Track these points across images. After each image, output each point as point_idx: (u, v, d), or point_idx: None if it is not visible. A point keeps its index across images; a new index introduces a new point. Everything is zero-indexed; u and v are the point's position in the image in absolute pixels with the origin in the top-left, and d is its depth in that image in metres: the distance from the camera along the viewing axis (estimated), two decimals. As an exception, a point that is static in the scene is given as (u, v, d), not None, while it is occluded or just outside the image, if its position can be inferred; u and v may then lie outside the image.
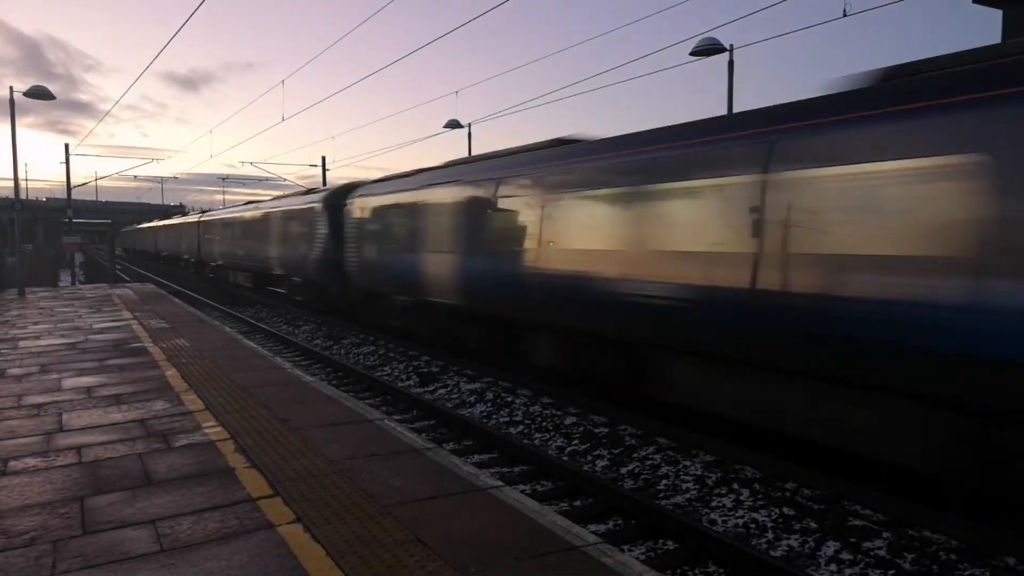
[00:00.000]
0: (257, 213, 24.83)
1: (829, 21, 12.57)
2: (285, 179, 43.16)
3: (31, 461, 4.95)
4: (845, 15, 11.84)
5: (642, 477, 6.97)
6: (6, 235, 30.60)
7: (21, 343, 10.38)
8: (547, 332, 10.03)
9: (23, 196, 29.28)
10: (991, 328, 4.85)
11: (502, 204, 10.76)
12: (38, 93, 18.43)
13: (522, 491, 6.51)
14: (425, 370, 12.12)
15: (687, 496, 6.46)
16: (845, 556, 5.22)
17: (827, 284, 5.90)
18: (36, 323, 12.82)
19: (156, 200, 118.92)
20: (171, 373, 8.07)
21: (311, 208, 19.22)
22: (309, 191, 21.06)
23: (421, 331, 13.97)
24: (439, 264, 12.35)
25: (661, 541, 5.60)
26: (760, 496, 6.27)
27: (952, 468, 5.41)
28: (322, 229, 18.32)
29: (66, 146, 28.24)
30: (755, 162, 6.51)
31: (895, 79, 5.96)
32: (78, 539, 3.69)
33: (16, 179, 18.49)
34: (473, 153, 15.20)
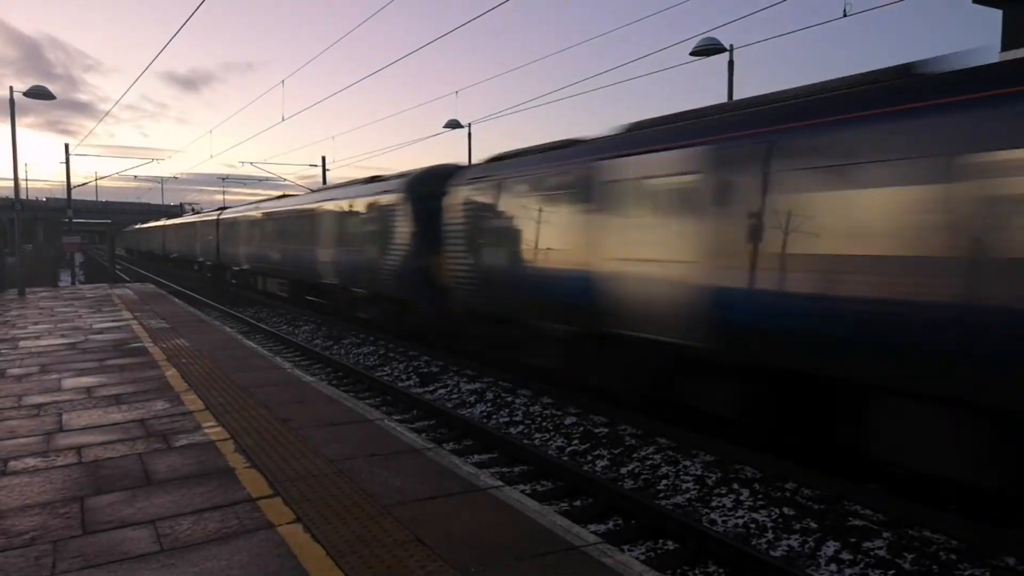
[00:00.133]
0: (299, 208, 20.26)
1: (829, 21, 12.57)
2: (285, 179, 43.16)
3: (31, 461, 4.95)
4: (845, 15, 11.85)
5: (642, 477, 6.97)
6: (6, 235, 30.60)
7: (21, 343, 10.38)
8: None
9: (23, 196, 29.28)
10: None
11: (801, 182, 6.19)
12: (38, 93, 18.43)
13: (522, 491, 6.51)
14: (425, 370, 12.12)
15: (687, 496, 6.46)
16: (845, 556, 5.22)
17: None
18: (36, 323, 12.82)
19: (156, 200, 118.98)
20: (171, 373, 8.07)
21: (384, 200, 14.64)
22: (373, 179, 16.46)
23: (597, 378, 9.15)
24: (643, 279, 7.87)
25: (661, 541, 5.60)
26: (760, 496, 6.27)
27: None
28: (402, 227, 13.82)
29: (66, 146, 28.26)
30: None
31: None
32: (78, 539, 3.69)
33: (16, 179, 18.49)
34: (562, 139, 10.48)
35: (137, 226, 74.38)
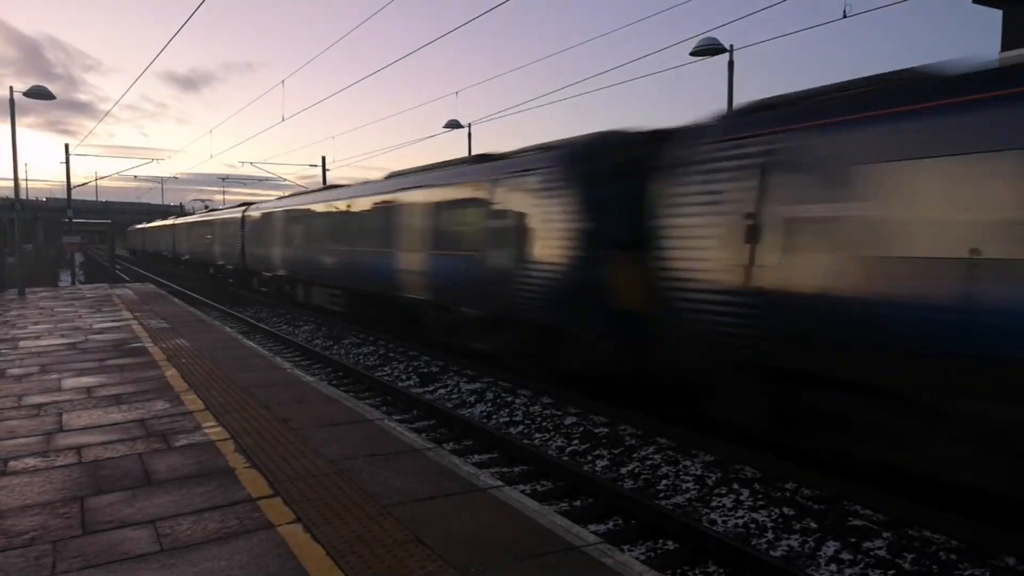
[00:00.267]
0: (370, 199, 15.48)
1: (829, 22, 12.58)
2: (285, 179, 43.18)
3: (31, 461, 4.95)
4: (845, 16, 11.85)
5: (642, 477, 6.97)
6: (6, 235, 30.60)
7: (21, 343, 10.38)
8: None
9: (23, 196, 29.28)
10: None
11: None
12: (38, 93, 18.44)
13: (522, 491, 6.51)
14: (425, 370, 12.12)
15: (687, 496, 6.46)
16: (845, 556, 5.22)
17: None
18: (36, 323, 12.82)
19: (156, 200, 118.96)
20: (171, 373, 8.07)
21: (520, 184, 10.18)
22: (482, 157, 12.31)
23: None
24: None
25: (661, 541, 5.60)
26: (760, 496, 6.27)
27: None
28: (554, 220, 9.39)
29: (66, 146, 28.27)
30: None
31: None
32: (78, 539, 3.69)
33: (16, 179, 18.50)
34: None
35: (143, 225, 69.22)
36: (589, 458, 7.59)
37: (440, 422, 9.05)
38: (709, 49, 15.87)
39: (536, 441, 8.30)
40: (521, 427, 8.85)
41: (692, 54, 15.98)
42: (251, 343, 10.44)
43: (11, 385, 7.47)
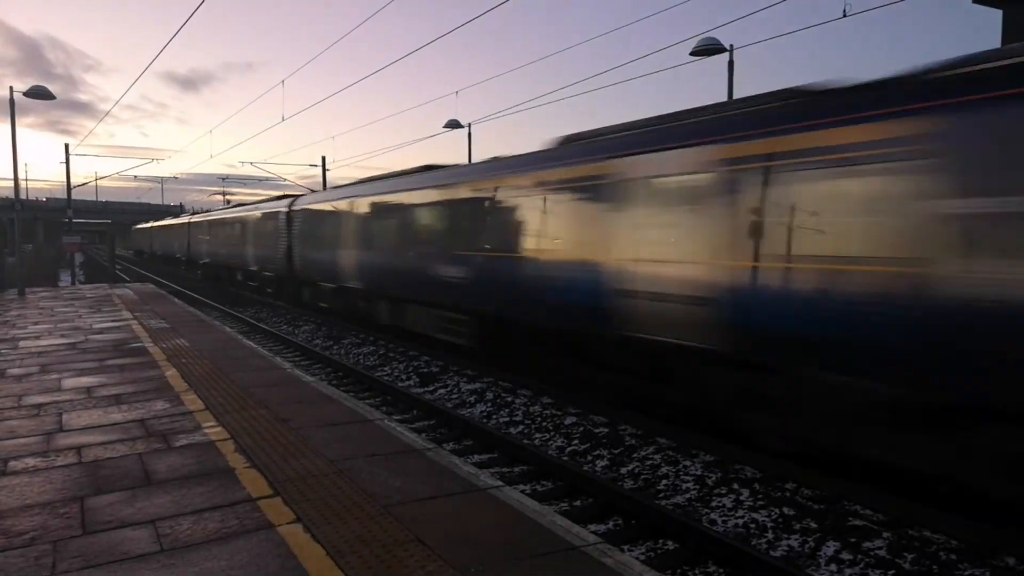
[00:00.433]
0: (526, 180, 10.16)
1: (829, 21, 12.57)
2: (285, 179, 43.14)
3: (31, 461, 4.95)
4: (845, 15, 11.85)
5: (642, 477, 6.97)
6: (6, 235, 30.61)
7: (21, 343, 10.38)
8: None
9: (23, 196, 29.28)
10: None
11: None
12: (38, 93, 18.44)
13: (522, 491, 6.51)
14: (425, 370, 12.12)
15: (687, 496, 6.46)
16: (845, 556, 5.22)
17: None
18: (36, 323, 12.82)
19: (156, 200, 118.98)
20: (171, 373, 8.07)
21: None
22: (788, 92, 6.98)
23: None
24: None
25: (661, 541, 5.60)
26: (760, 496, 6.27)
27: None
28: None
29: (66, 146, 28.26)
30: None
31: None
32: (78, 539, 3.69)
33: (16, 179, 18.50)
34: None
35: (150, 224, 61.32)
36: (589, 458, 7.59)
37: (440, 422, 9.05)
38: (709, 49, 15.87)
39: (536, 441, 8.30)
40: (521, 427, 8.85)
41: (692, 54, 15.98)
42: (251, 343, 10.44)
43: (11, 385, 7.47)
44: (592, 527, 5.76)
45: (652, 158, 7.97)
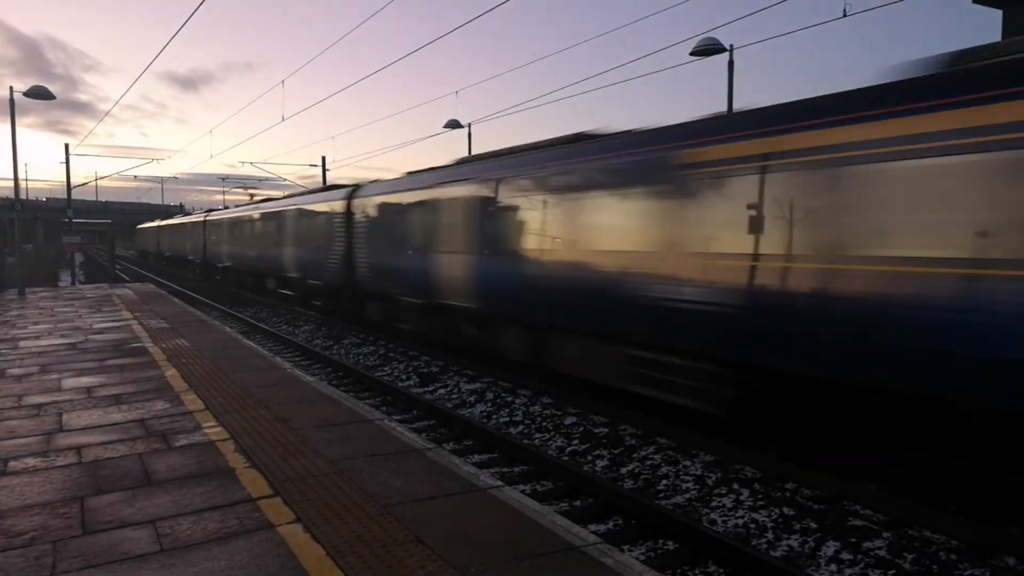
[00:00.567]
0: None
1: (829, 21, 12.57)
2: (285, 179, 43.11)
3: (31, 461, 4.95)
4: (845, 15, 11.85)
5: (642, 477, 6.97)
6: (6, 235, 30.60)
7: (21, 343, 10.38)
8: None
9: (23, 196, 29.29)
10: None
11: None
12: (38, 93, 18.44)
13: (522, 491, 6.51)
14: (425, 370, 12.12)
15: (687, 496, 6.46)
16: (845, 556, 5.22)
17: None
18: (36, 323, 12.82)
19: (156, 200, 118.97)
20: (171, 373, 8.07)
21: None
22: None
23: None
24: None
25: (661, 541, 5.60)
26: (760, 496, 6.27)
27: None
28: None
29: (66, 146, 28.27)
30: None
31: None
32: (78, 539, 3.69)
33: (16, 179, 18.50)
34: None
35: (158, 222, 54.96)
36: (589, 458, 7.59)
37: (440, 422, 9.05)
38: (709, 49, 15.88)
39: (536, 441, 8.30)
40: (521, 427, 8.85)
41: (692, 54, 15.99)
42: (251, 343, 10.44)
43: (11, 385, 7.47)
44: (592, 527, 5.77)
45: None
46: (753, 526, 5.79)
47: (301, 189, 22.74)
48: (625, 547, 5.49)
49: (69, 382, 7.61)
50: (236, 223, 27.58)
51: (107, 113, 72.29)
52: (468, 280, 11.52)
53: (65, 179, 28.55)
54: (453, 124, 24.96)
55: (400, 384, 11.34)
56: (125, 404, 6.61)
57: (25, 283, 19.81)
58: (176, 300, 17.86)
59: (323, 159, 35.52)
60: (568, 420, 8.78)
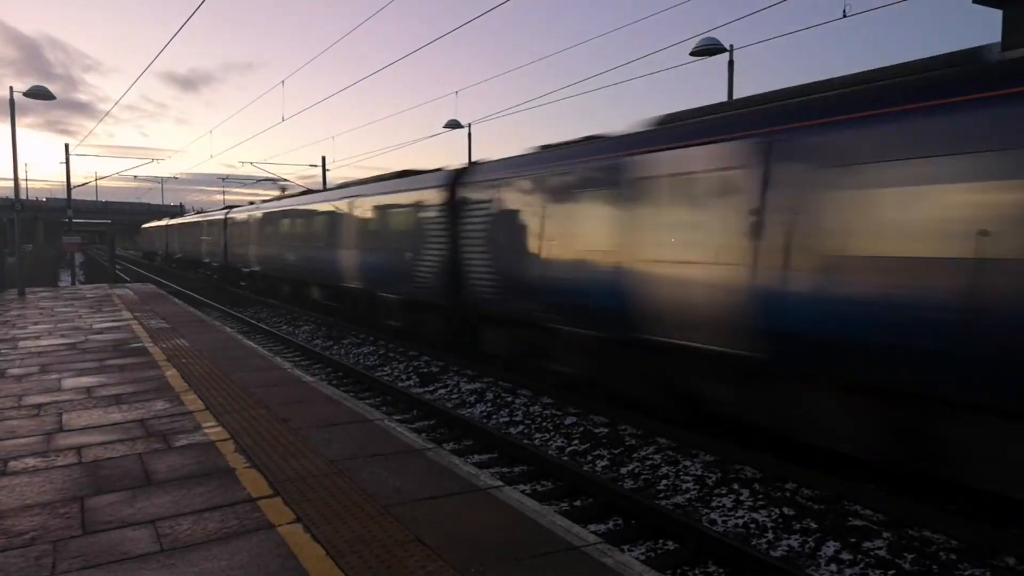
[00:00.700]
0: None
1: (829, 22, 12.57)
2: (285, 179, 43.09)
3: (31, 461, 4.95)
4: (845, 15, 11.85)
5: (642, 477, 6.97)
6: (6, 235, 30.59)
7: (21, 343, 10.38)
8: None
9: (23, 196, 29.27)
10: None
11: None
12: (38, 93, 18.43)
13: (522, 491, 6.51)
14: (425, 370, 12.12)
15: (687, 496, 6.46)
16: (845, 556, 5.22)
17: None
18: (36, 323, 12.81)
19: (156, 200, 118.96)
20: (171, 373, 8.07)
21: None
22: None
23: None
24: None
25: (661, 541, 5.60)
26: (760, 496, 6.27)
27: None
28: None
29: (66, 146, 28.26)
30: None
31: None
32: (78, 539, 3.69)
33: (16, 179, 18.49)
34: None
35: (167, 221, 50.09)
36: (589, 458, 7.59)
37: (440, 422, 9.05)
38: (709, 49, 15.87)
39: (536, 441, 8.30)
40: (521, 427, 8.85)
41: (692, 54, 15.98)
42: (251, 343, 10.44)
43: (11, 385, 7.47)
44: (592, 527, 5.77)
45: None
46: (753, 526, 5.79)
47: (356, 179, 18.29)
48: (625, 547, 5.49)
49: (69, 382, 7.61)
50: (268, 220, 23.25)
51: (107, 113, 72.30)
52: (725, 306, 6.86)
53: (65, 179, 28.55)
54: (453, 124, 24.96)
55: (400, 384, 11.34)
56: (125, 404, 6.61)
57: (25, 283, 19.81)
58: (176, 300, 17.86)
59: (323, 159, 35.53)
60: (568, 420, 8.78)
